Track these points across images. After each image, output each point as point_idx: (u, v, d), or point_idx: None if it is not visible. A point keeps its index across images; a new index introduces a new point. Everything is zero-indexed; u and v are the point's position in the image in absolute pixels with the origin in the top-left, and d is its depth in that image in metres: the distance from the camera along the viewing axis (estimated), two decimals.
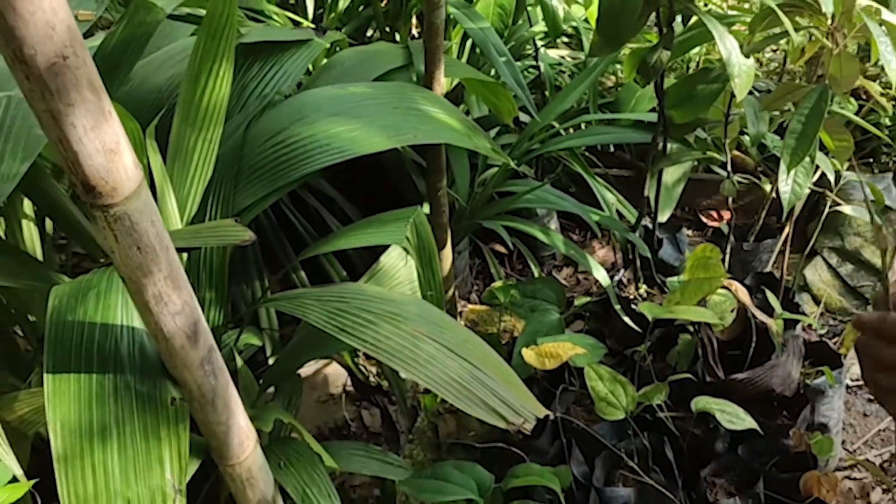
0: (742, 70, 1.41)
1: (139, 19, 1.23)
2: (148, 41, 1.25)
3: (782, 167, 1.49)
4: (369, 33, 2.38)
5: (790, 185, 1.52)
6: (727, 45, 1.39)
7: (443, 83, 1.56)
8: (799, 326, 1.78)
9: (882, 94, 2.16)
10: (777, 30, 1.61)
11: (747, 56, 1.45)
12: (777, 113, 1.92)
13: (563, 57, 2.45)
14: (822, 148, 1.76)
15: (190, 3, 1.38)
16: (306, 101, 1.40)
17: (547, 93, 2.26)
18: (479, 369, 1.03)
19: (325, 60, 1.82)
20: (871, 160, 2.54)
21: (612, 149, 2.51)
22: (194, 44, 1.22)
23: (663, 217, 2.16)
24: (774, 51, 2.90)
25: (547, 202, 1.92)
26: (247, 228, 1.04)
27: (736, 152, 2.36)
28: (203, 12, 1.33)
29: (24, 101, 0.92)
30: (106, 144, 0.69)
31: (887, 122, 2.46)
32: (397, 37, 2.27)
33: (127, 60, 1.24)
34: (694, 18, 1.63)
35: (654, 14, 1.57)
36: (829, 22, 1.54)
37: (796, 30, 1.65)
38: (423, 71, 1.55)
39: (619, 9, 1.41)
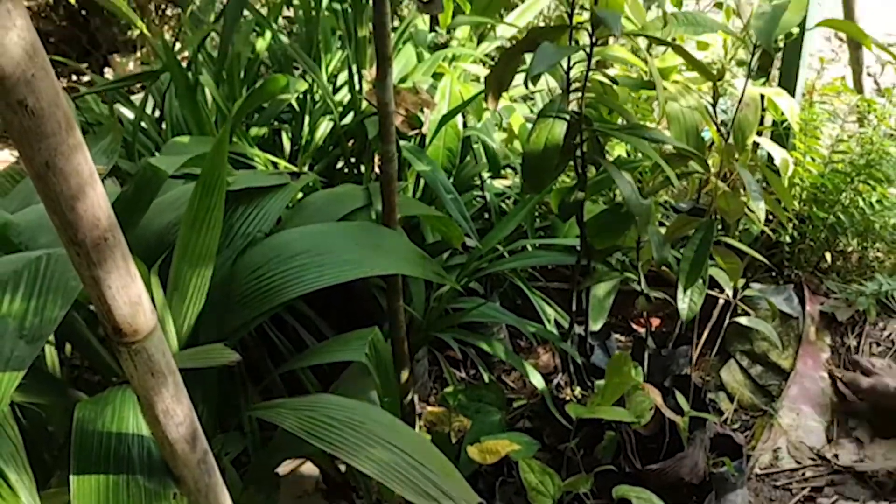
0: (641, 209, 1.64)
1: (146, 181, 1.44)
2: (154, 197, 1.46)
3: (679, 288, 1.71)
4: (339, 165, 2.61)
5: (687, 303, 1.73)
6: (627, 190, 1.62)
7: (397, 219, 1.77)
8: (709, 422, 1.97)
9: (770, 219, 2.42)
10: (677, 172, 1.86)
11: (646, 197, 1.68)
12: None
13: (507, 186, 2.68)
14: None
15: (187, 165, 1.60)
16: (283, 240, 1.61)
17: (493, 218, 2.48)
18: (423, 464, 1.21)
19: (300, 195, 2.04)
20: (774, 273, 2.78)
21: (550, 266, 2.72)
22: (191, 196, 1.42)
23: (596, 326, 2.36)
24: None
25: (490, 316, 2.13)
26: (234, 352, 1.23)
27: (664, 268, 2.58)
28: (198, 170, 1.54)
29: (62, 258, 1.13)
30: (131, 298, 0.89)
31: (788, 239, 2.71)
32: (363, 168, 2.49)
33: (137, 212, 1.45)
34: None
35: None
36: (715, 168, 1.78)
37: (690, 173, 1.90)
38: (381, 210, 1.76)
39: (539, 160, 1.63)
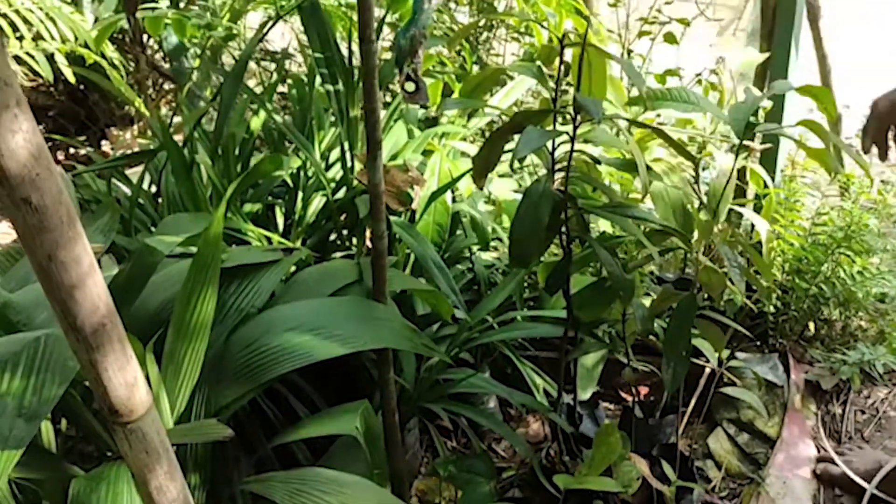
0: (624, 284, 1.68)
1: (143, 261, 1.48)
2: (150, 276, 1.50)
3: (664, 359, 1.74)
4: (332, 237, 2.65)
5: (670, 374, 1.76)
6: (610, 265, 1.66)
7: (388, 294, 1.81)
8: (696, 491, 1.98)
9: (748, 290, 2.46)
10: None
11: (629, 272, 1.72)
12: None
13: (496, 258, 2.73)
14: None
15: (183, 244, 1.64)
16: (276, 316, 1.64)
17: (482, 289, 2.52)
18: None
19: (293, 268, 2.08)
20: (759, 343, 2.82)
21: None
22: (186, 275, 1.46)
23: (585, 395, 2.39)
24: None
25: (480, 387, 2.15)
26: (226, 427, 1.26)
27: (651, 337, 2.61)
28: (194, 248, 1.58)
29: (60, 339, 1.16)
30: (127, 380, 0.91)
31: (772, 309, 2.75)
32: (355, 241, 2.54)
33: (133, 292, 1.48)
34: None
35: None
36: (698, 242, 1.83)
37: (673, 248, 1.94)
38: (371, 285, 1.80)
39: (525, 237, 1.68)
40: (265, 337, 1.58)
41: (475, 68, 3.43)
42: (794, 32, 2.80)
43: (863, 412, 2.62)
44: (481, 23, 3.64)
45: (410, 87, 1.63)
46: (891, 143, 1.75)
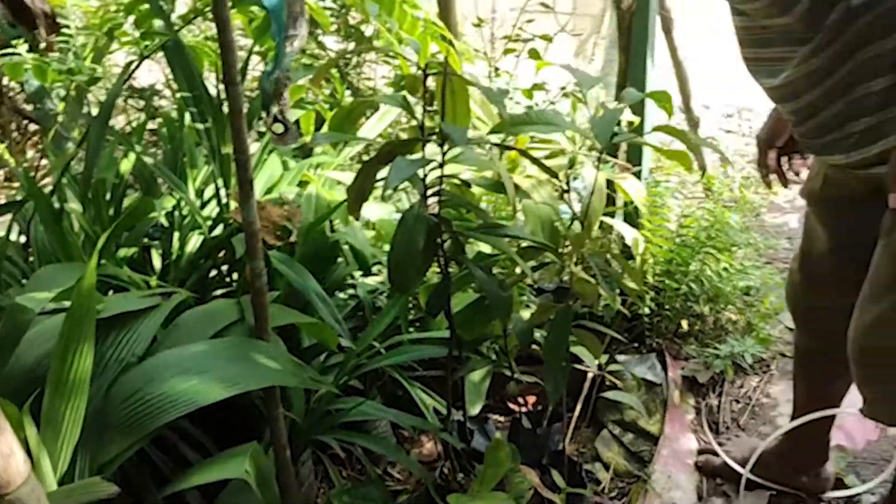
0: (501, 301, 1.73)
1: (14, 319, 1.44)
2: (22, 335, 1.46)
3: (545, 370, 1.79)
4: (212, 275, 2.62)
5: (552, 384, 1.81)
6: (486, 285, 1.71)
7: (270, 330, 1.80)
8: (586, 495, 2.04)
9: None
10: (533, 262, 1.97)
11: (507, 289, 1.77)
12: None
13: (380, 282, 2.74)
14: None
15: (56, 299, 1.60)
16: (157, 363, 1.62)
17: (367, 315, 2.53)
18: None
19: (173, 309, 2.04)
20: (637, 344, 2.93)
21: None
22: (60, 330, 1.43)
23: (474, 410, 2.42)
24: None
25: (370, 414, 2.16)
26: (111, 484, 1.24)
27: (535, 346, 2.68)
28: (67, 303, 1.55)
29: None
30: (3, 452, 0.90)
31: (647, 311, 2.86)
32: (235, 276, 2.51)
33: (5, 352, 1.44)
34: None
35: None
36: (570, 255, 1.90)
37: (547, 263, 2.01)
38: (253, 323, 1.79)
39: (403, 263, 1.70)
40: (148, 386, 1.55)
41: (347, 94, 3.46)
42: (650, 43, 2.92)
43: (737, 402, 2.75)
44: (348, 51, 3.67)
45: (279, 128, 1.64)
46: (784, 165, 1.94)
